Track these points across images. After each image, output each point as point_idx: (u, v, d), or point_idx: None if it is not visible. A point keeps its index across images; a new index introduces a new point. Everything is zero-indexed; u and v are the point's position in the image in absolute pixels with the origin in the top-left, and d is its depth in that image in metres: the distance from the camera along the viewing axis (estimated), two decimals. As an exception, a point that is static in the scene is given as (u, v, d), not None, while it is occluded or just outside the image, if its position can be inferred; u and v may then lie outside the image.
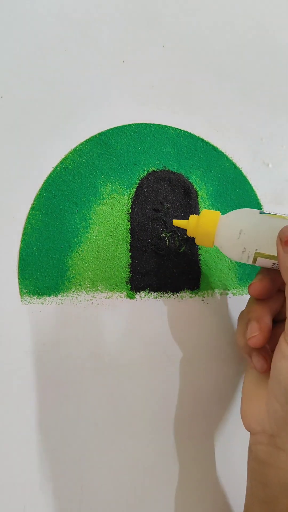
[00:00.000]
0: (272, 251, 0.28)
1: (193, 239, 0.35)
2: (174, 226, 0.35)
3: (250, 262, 0.29)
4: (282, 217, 0.28)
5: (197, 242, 0.32)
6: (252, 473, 0.29)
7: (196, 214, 0.37)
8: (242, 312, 0.32)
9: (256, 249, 0.28)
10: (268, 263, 0.29)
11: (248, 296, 0.37)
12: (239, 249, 0.29)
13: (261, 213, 0.29)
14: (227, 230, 0.30)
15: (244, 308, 0.32)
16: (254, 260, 0.29)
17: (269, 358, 0.29)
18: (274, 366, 0.27)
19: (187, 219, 0.36)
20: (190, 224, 0.32)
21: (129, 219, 0.35)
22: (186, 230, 0.32)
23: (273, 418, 0.27)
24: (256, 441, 0.29)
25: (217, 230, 0.30)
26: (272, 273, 0.30)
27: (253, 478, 0.29)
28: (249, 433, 0.30)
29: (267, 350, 0.30)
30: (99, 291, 0.34)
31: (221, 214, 0.31)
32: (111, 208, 0.35)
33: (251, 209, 0.30)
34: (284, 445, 0.27)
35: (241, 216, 0.30)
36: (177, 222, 0.32)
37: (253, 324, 0.29)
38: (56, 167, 0.34)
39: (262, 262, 0.29)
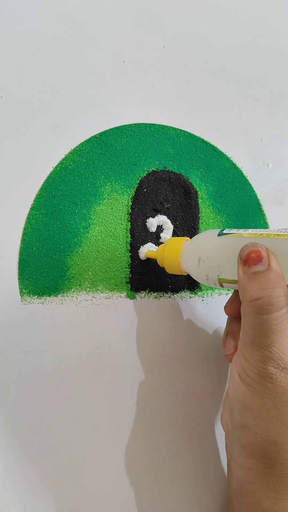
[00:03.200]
0: (234, 275, 0.26)
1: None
2: (173, 225, 0.35)
3: (218, 287, 0.28)
4: (240, 235, 0.26)
5: (167, 271, 0.31)
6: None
7: (196, 215, 0.37)
8: (228, 318, 0.33)
9: (218, 275, 0.27)
10: (235, 287, 0.27)
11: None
12: (202, 276, 0.28)
13: (220, 234, 0.27)
14: (188, 258, 0.29)
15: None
16: (221, 285, 0.28)
17: None
18: (229, 382, 0.28)
19: (187, 219, 0.36)
20: (158, 255, 0.32)
21: (129, 219, 0.35)
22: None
23: (225, 425, 0.29)
24: (225, 441, 0.30)
25: (180, 258, 0.30)
26: None
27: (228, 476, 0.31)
28: None
29: None
30: (99, 291, 0.34)
31: (183, 238, 0.31)
32: (111, 208, 0.35)
33: (212, 231, 0.29)
34: (233, 455, 0.28)
35: (200, 242, 0.29)
36: (149, 254, 0.33)
37: (229, 341, 0.30)
38: (56, 167, 0.34)
39: (228, 286, 0.28)
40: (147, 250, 0.34)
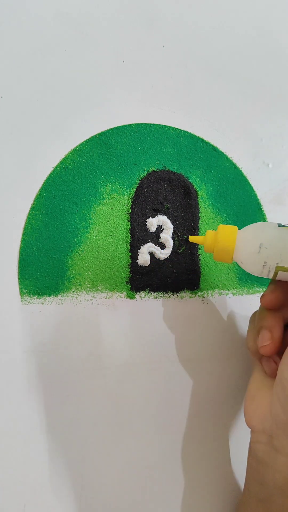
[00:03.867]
0: None
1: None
2: (173, 225, 0.35)
3: (270, 277, 0.29)
4: None
5: (215, 258, 0.31)
6: (250, 470, 0.30)
7: (196, 215, 0.37)
8: (253, 315, 0.33)
9: (277, 263, 0.28)
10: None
11: (248, 296, 0.37)
12: (259, 264, 0.28)
13: (279, 226, 0.28)
14: (247, 244, 0.29)
15: (255, 310, 0.32)
16: (275, 275, 0.28)
17: (279, 363, 0.29)
18: (281, 372, 0.27)
19: (187, 219, 0.36)
20: (208, 240, 0.30)
21: (129, 219, 0.35)
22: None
23: (274, 420, 0.28)
24: (255, 439, 0.29)
25: (235, 245, 0.30)
26: (284, 284, 0.30)
27: (250, 475, 0.30)
28: (249, 430, 0.30)
29: (277, 356, 0.30)
30: (99, 291, 0.34)
31: (234, 226, 0.31)
32: (111, 208, 0.35)
33: (269, 222, 0.29)
34: (281, 448, 0.27)
35: (261, 230, 0.29)
36: (193, 239, 0.32)
37: (265, 333, 0.30)
38: (56, 167, 0.34)
39: (283, 275, 0.28)
40: (147, 250, 0.34)
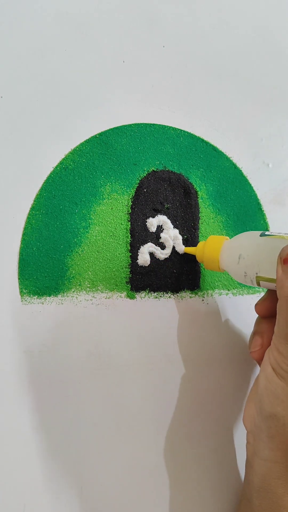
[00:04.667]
0: (272, 274, 0.27)
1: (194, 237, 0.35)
2: (173, 225, 0.35)
3: (255, 285, 0.29)
4: (282, 237, 0.28)
5: (205, 267, 0.33)
6: (245, 470, 0.31)
7: (196, 215, 0.37)
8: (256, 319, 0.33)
9: (257, 273, 0.28)
10: (271, 286, 0.28)
11: (248, 296, 0.37)
12: (240, 274, 0.29)
13: (262, 235, 0.29)
14: (228, 255, 0.31)
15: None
16: (258, 283, 0.29)
17: None
18: (257, 377, 0.29)
19: (187, 219, 0.36)
20: (198, 251, 0.33)
21: (129, 219, 0.35)
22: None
23: (252, 422, 0.29)
24: (247, 439, 0.30)
25: (220, 255, 0.31)
26: (275, 292, 0.30)
27: (245, 474, 0.31)
28: None
29: None
30: (99, 291, 0.34)
31: (224, 236, 0.32)
32: (111, 208, 0.35)
33: (253, 232, 0.30)
34: (258, 451, 0.28)
35: (241, 241, 0.30)
36: (188, 250, 0.35)
37: (256, 338, 0.31)
38: (56, 167, 0.34)
39: (265, 285, 0.29)
40: (147, 250, 0.34)
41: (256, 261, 0.28)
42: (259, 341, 0.31)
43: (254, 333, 0.32)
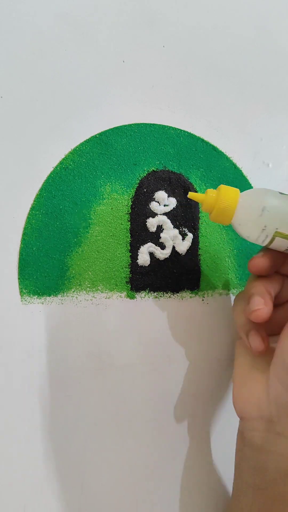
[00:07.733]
0: None
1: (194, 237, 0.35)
2: (173, 225, 0.35)
3: (265, 243, 0.29)
4: None
5: (211, 218, 0.30)
6: (244, 460, 0.29)
7: (196, 215, 0.37)
8: (239, 293, 0.32)
9: (277, 228, 0.28)
10: (284, 245, 0.28)
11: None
12: (258, 227, 0.28)
13: (281, 193, 0.29)
14: (249, 206, 0.28)
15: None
16: (271, 241, 0.28)
17: (266, 340, 0.28)
18: (281, 347, 0.26)
19: (187, 219, 0.36)
20: (208, 198, 0.29)
21: (129, 219, 0.35)
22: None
23: (274, 402, 0.26)
24: (251, 427, 0.28)
25: (238, 205, 0.29)
26: (273, 253, 0.30)
27: (245, 465, 0.28)
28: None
29: (264, 331, 0.29)
30: (99, 291, 0.34)
31: (236, 188, 0.30)
32: (111, 208, 0.35)
33: (270, 189, 0.29)
34: (285, 431, 0.26)
35: (264, 194, 0.29)
36: (192, 195, 0.30)
37: (257, 298, 0.28)
38: (56, 167, 0.34)
39: (278, 243, 0.28)
40: (147, 250, 0.34)
41: (279, 216, 0.28)
42: (261, 300, 0.28)
43: (252, 294, 0.29)
